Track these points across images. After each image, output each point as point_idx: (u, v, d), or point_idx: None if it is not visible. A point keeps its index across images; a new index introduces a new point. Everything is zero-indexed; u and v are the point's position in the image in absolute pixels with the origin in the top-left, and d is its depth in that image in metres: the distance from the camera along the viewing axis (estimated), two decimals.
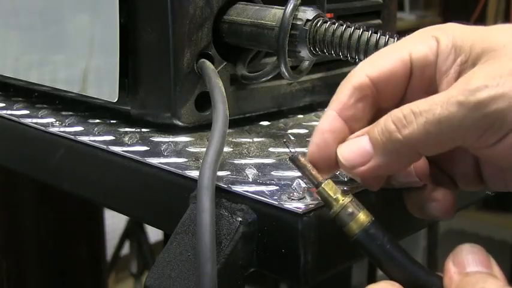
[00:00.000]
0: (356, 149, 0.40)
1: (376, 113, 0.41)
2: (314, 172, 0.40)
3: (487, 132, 0.36)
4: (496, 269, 0.35)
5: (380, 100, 0.41)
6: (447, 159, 0.43)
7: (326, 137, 0.41)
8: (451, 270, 0.35)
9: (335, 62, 0.63)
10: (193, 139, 0.55)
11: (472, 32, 0.39)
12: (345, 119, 0.41)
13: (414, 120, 0.37)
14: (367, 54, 0.48)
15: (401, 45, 0.41)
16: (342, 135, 0.41)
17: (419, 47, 0.40)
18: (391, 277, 0.37)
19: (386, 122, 0.38)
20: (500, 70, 0.36)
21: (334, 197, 0.39)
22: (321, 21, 0.51)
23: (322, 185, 0.39)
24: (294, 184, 0.44)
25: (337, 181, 0.45)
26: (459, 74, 0.39)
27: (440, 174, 0.43)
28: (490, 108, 0.35)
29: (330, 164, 0.41)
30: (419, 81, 0.40)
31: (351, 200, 0.38)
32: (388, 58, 0.41)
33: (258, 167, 0.48)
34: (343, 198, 0.38)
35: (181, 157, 0.50)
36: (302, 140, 0.55)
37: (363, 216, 0.38)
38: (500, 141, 0.37)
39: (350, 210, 0.38)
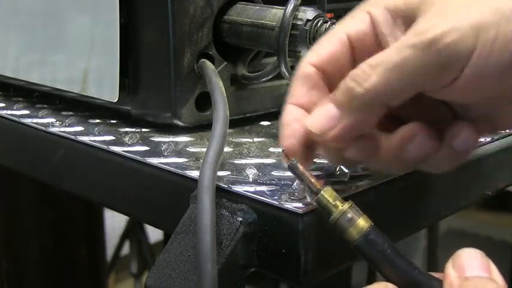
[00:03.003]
0: (322, 115, 0.40)
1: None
2: (313, 179, 0.40)
3: (444, 69, 0.37)
4: (496, 273, 0.35)
5: (333, 81, 0.42)
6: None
7: (293, 127, 0.42)
8: (451, 274, 0.34)
9: None
10: (193, 139, 0.55)
11: None
12: (305, 108, 0.42)
13: (372, 72, 0.38)
14: None
15: (337, 27, 0.43)
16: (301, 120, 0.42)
17: (352, 23, 0.42)
18: (391, 282, 0.37)
19: (346, 81, 0.39)
20: (443, 11, 0.37)
21: (333, 204, 0.38)
22: (321, 21, 0.51)
23: (322, 192, 0.39)
24: (294, 184, 0.44)
25: (337, 181, 0.45)
26: (403, 33, 0.40)
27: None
28: (442, 43, 0.36)
29: (308, 149, 0.42)
30: (365, 52, 0.41)
31: (350, 206, 0.38)
32: (326, 43, 0.42)
33: (258, 167, 0.48)
34: (342, 205, 0.38)
35: (181, 157, 0.50)
36: None
37: (362, 222, 0.38)
38: (458, 78, 0.37)
39: (349, 215, 0.38)
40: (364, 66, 0.39)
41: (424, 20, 0.38)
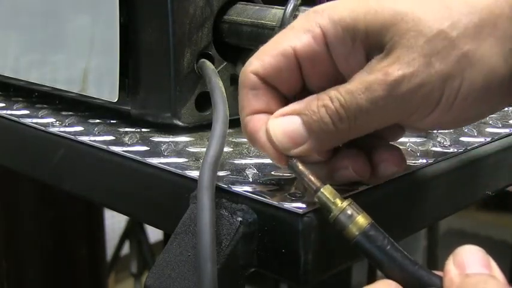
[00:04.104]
0: (290, 131, 0.40)
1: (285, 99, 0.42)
2: (313, 178, 0.40)
3: (415, 113, 0.39)
4: (497, 270, 0.35)
5: (280, 89, 0.42)
6: None
7: (261, 135, 0.41)
8: (452, 271, 0.34)
9: None
10: (193, 139, 0.55)
11: (359, 3, 0.39)
12: (262, 111, 0.41)
13: (345, 115, 0.38)
14: None
15: (284, 38, 0.41)
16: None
17: (302, 37, 0.40)
18: (391, 279, 0.37)
19: (321, 112, 0.39)
20: (410, 53, 0.37)
21: (333, 201, 0.39)
22: None
23: (321, 190, 0.39)
24: (295, 184, 0.44)
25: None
26: (366, 52, 0.39)
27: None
28: (414, 97, 0.37)
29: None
30: (312, 67, 0.41)
31: (350, 203, 0.38)
32: (272, 53, 0.41)
33: (258, 167, 0.48)
34: (341, 202, 0.38)
35: (181, 157, 0.50)
36: None
37: (362, 219, 0.38)
38: (430, 115, 0.39)
39: (349, 212, 0.38)
40: (337, 105, 0.38)
41: (391, 60, 0.37)
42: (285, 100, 0.42)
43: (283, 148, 0.40)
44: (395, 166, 0.42)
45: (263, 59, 0.41)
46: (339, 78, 0.41)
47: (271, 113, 0.41)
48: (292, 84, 0.42)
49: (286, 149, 0.40)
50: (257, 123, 0.41)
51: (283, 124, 0.40)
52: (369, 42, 0.39)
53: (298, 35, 0.40)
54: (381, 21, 0.38)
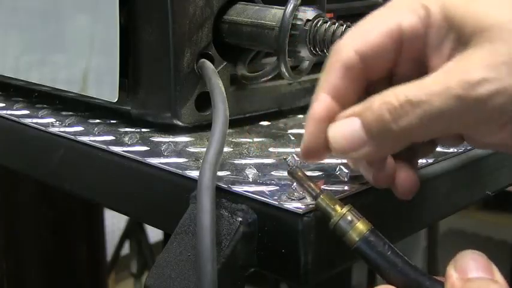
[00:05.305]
0: (349, 134, 0.38)
1: (365, 85, 0.41)
2: (312, 184, 0.40)
3: (485, 124, 0.36)
4: (498, 275, 0.34)
5: (369, 73, 0.40)
6: None
7: (322, 126, 0.40)
8: (453, 276, 0.34)
9: None
10: (193, 139, 0.55)
11: (463, 1, 0.37)
12: (337, 100, 0.40)
13: (410, 110, 0.36)
14: None
15: (389, 15, 0.39)
16: (334, 117, 0.40)
17: (408, 17, 0.38)
18: (392, 284, 0.37)
19: (381, 109, 0.37)
20: (496, 57, 0.35)
21: (333, 207, 0.39)
22: (321, 21, 0.51)
23: (321, 196, 0.39)
24: (294, 184, 0.44)
25: (336, 181, 0.45)
26: (452, 51, 0.37)
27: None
28: (489, 104, 0.35)
29: (323, 150, 0.41)
30: (408, 52, 0.39)
31: (350, 209, 0.38)
32: (376, 30, 0.38)
33: (258, 167, 0.48)
34: (341, 208, 0.38)
35: (181, 157, 0.50)
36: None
37: (362, 225, 0.38)
38: (498, 131, 0.36)
39: (349, 218, 0.38)
40: (402, 99, 0.36)
41: (476, 60, 0.35)
42: (365, 85, 0.40)
43: (342, 152, 0.39)
44: (414, 188, 0.42)
45: (367, 36, 0.38)
46: (421, 71, 0.39)
47: (347, 98, 0.39)
48: (383, 68, 0.39)
49: (344, 152, 0.39)
50: (321, 109, 0.39)
51: (343, 127, 0.39)
52: (459, 38, 0.37)
53: (403, 14, 0.38)
54: (474, 24, 0.36)
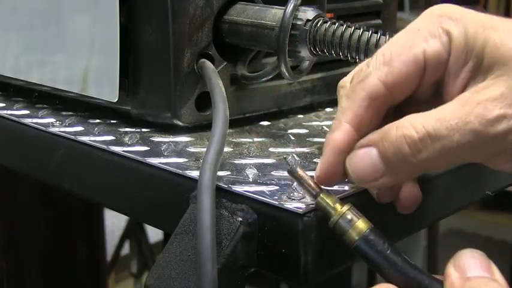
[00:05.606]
0: (368, 165, 0.38)
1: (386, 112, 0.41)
2: (312, 183, 0.40)
3: (501, 155, 0.37)
4: (497, 274, 0.35)
5: (392, 100, 0.40)
6: None
7: (341, 156, 0.40)
8: (452, 275, 0.34)
9: (335, 62, 0.63)
10: (193, 139, 0.55)
11: (484, 28, 0.37)
12: (358, 129, 0.40)
13: (430, 145, 0.36)
14: (367, 54, 0.48)
15: (414, 41, 0.38)
16: (353, 147, 0.40)
17: (432, 43, 0.38)
18: (392, 283, 0.37)
19: (401, 142, 0.37)
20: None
21: (333, 206, 0.39)
22: (321, 21, 0.51)
23: (321, 195, 0.39)
24: (294, 184, 0.44)
25: None
26: (469, 80, 0.38)
27: None
28: (507, 140, 0.36)
29: (340, 177, 0.41)
30: (430, 77, 0.39)
31: (350, 208, 0.38)
32: (402, 58, 0.38)
33: (258, 167, 0.48)
34: (341, 207, 0.38)
35: (181, 157, 0.50)
36: (302, 140, 0.55)
37: (362, 224, 0.38)
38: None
39: (349, 217, 0.38)
40: (422, 133, 0.36)
41: (494, 94, 0.35)
42: (388, 108, 0.40)
43: (360, 181, 0.39)
44: (417, 202, 0.42)
45: (394, 66, 0.38)
46: (435, 92, 0.39)
47: (368, 127, 0.39)
48: (406, 94, 0.39)
49: (363, 181, 0.39)
50: (342, 140, 0.39)
51: (360, 157, 0.39)
52: (478, 66, 0.37)
53: (426, 39, 0.38)
54: (494, 56, 0.36)
